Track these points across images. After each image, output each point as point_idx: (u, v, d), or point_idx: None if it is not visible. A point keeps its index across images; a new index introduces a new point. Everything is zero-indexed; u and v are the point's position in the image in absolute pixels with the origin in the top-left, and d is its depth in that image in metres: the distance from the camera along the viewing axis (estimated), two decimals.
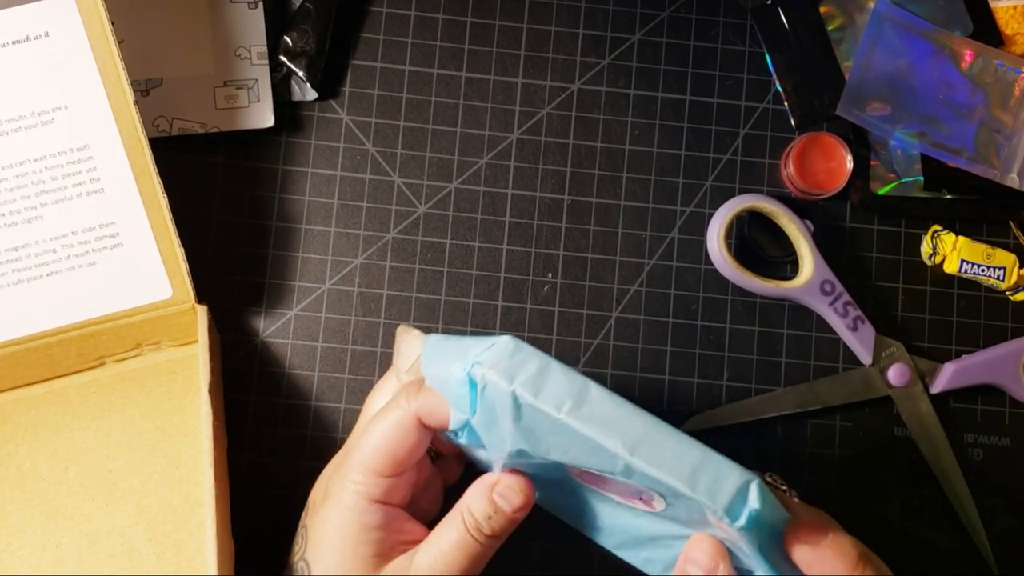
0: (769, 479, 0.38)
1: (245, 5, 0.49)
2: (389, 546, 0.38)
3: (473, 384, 0.35)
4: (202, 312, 0.45)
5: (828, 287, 0.49)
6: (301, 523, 0.41)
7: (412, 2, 0.52)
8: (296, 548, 0.41)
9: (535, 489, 0.38)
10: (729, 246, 0.50)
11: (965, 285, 0.52)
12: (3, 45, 0.42)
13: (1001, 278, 0.51)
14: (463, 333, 0.49)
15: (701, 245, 0.51)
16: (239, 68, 0.49)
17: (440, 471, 0.44)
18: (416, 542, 0.38)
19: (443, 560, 0.37)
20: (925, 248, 0.51)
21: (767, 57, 0.52)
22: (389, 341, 0.49)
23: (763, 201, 0.49)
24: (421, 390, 0.38)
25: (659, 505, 0.36)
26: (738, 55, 0.52)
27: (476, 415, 0.35)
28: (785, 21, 0.51)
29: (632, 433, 0.33)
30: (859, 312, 0.49)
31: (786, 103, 0.52)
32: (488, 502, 0.37)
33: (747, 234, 0.51)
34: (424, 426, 0.38)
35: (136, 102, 0.42)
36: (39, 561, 0.45)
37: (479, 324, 0.50)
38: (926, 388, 0.50)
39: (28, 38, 0.42)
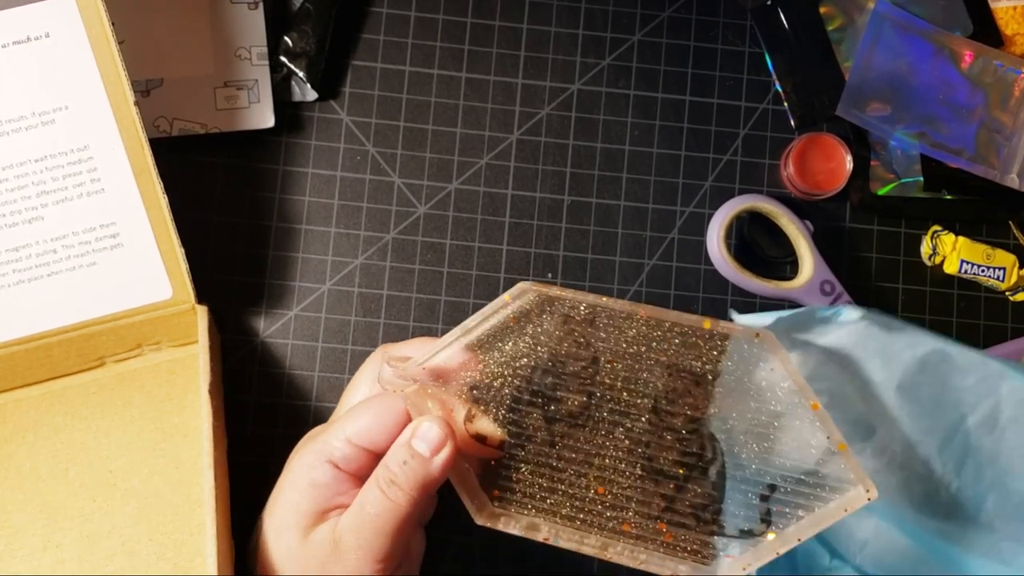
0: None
1: (245, 6, 0.49)
2: (329, 506, 0.38)
3: None
4: (202, 312, 0.45)
5: (828, 287, 0.49)
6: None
7: (412, 3, 0.52)
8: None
9: None
10: (729, 246, 0.50)
11: (965, 285, 0.52)
12: (4, 45, 0.42)
13: (1001, 278, 0.51)
14: None
15: (701, 245, 0.51)
16: (239, 69, 0.49)
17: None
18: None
19: (364, 521, 0.36)
20: (925, 248, 0.51)
21: (767, 57, 0.52)
22: (389, 341, 0.49)
23: (763, 201, 0.49)
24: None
25: None
26: (738, 56, 0.52)
27: None
28: (785, 22, 0.51)
29: None
30: None
31: (786, 103, 0.52)
32: (404, 447, 0.36)
33: (747, 234, 0.51)
34: (408, 417, 0.37)
35: (136, 102, 0.42)
36: (39, 561, 0.45)
37: None
38: None
39: (29, 38, 0.42)
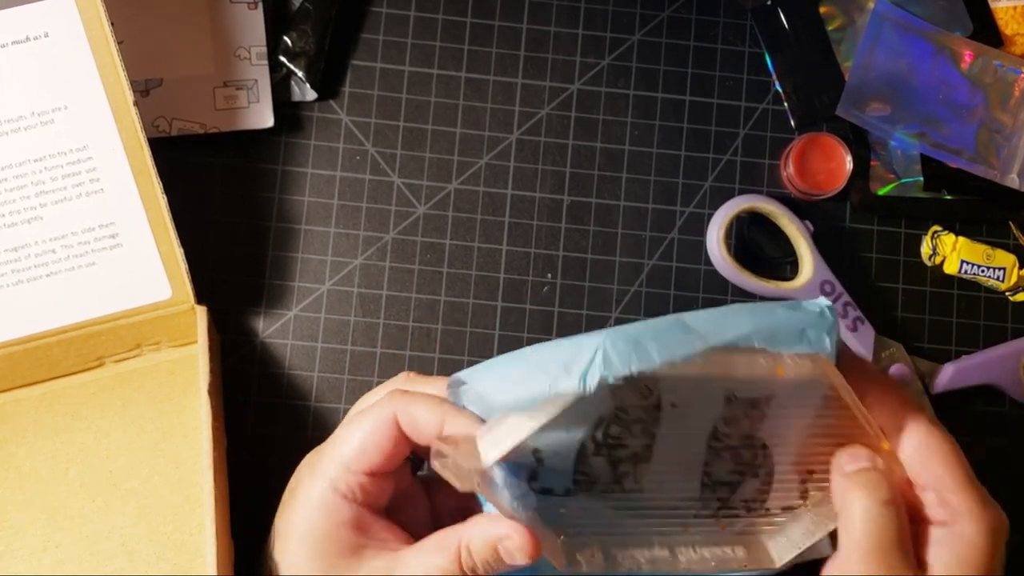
0: None
1: (245, 5, 0.49)
2: (361, 546, 0.36)
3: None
4: (201, 312, 0.45)
5: (828, 287, 0.50)
6: (274, 523, 0.40)
7: (412, 2, 0.52)
8: (267, 548, 0.39)
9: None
10: (729, 247, 0.50)
11: (965, 286, 0.52)
12: (3, 45, 0.42)
13: (1001, 279, 0.51)
14: (462, 333, 0.49)
15: (701, 246, 0.51)
16: (239, 68, 0.49)
17: (430, 496, 0.41)
18: (394, 541, 0.37)
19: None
20: (925, 249, 0.51)
21: (767, 57, 0.52)
22: (388, 342, 0.49)
23: (763, 202, 0.49)
24: (406, 395, 0.37)
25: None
26: (738, 55, 0.52)
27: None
28: (785, 21, 0.51)
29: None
30: (859, 312, 0.50)
31: (786, 103, 0.52)
32: (491, 550, 0.35)
33: (746, 235, 0.51)
34: (401, 430, 0.36)
35: (136, 102, 0.42)
36: (39, 562, 0.45)
37: (478, 325, 0.50)
38: (926, 388, 0.50)
39: (28, 38, 0.42)
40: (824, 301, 0.37)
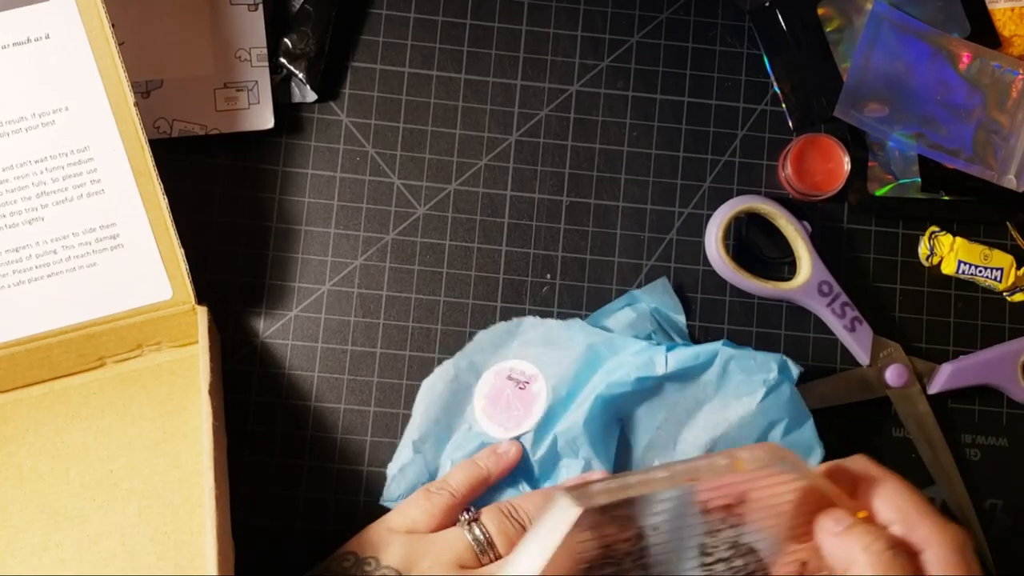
0: None
1: (245, 7, 0.49)
2: None
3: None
4: (202, 313, 0.45)
5: (826, 288, 0.50)
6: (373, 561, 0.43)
7: (411, 4, 0.52)
8: None
9: None
10: (727, 247, 0.50)
11: (962, 286, 0.52)
12: (4, 47, 0.42)
13: (998, 279, 0.51)
14: (462, 334, 0.50)
15: (699, 246, 0.51)
16: (239, 70, 0.49)
17: None
18: None
19: None
20: (923, 249, 0.52)
21: (765, 59, 0.53)
22: (388, 342, 0.49)
23: (761, 202, 0.50)
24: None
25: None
26: (736, 57, 0.53)
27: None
28: (783, 23, 0.51)
29: None
30: (856, 313, 0.50)
31: (784, 105, 0.52)
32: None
33: (745, 235, 0.51)
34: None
35: (136, 104, 0.43)
36: (40, 561, 0.45)
37: (478, 325, 0.50)
38: (924, 389, 0.50)
39: (29, 40, 0.42)
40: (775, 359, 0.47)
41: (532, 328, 0.50)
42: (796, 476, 0.37)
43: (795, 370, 0.47)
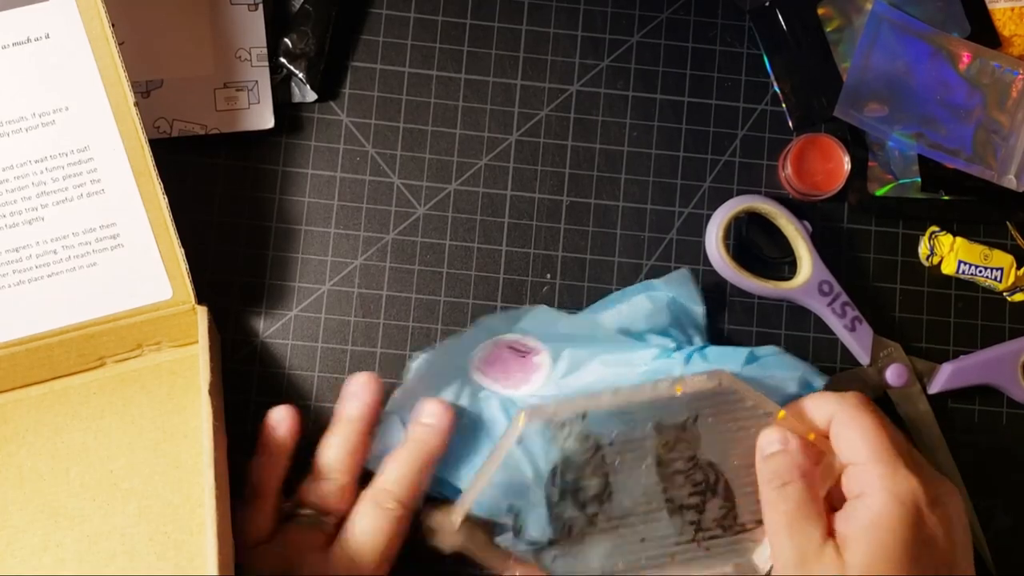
0: None
1: (245, 7, 0.49)
2: None
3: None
4: (202, 313, 0.45)
5: (826, 287, 0.50)
6: None
7: (411, 4, 0.52)
8: None
9: None
10: (727, 247, 0.50)
11: (962, 286, 0.52)
12: (4, 47, 0.42)
13: (999, 279, 0.51)
14: (461, 334, 0.49)
15: (699, 246, 0.51)
16: (239, 70, 0.49)
17: None
18: None
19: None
20: (923, 249, 0.52)
21: (765, 59, 0.53)
22: (388, 342, 0.49)
23: (762, 202, 0.50)
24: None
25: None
26: (736, 57, 0.53)
27: None
28: (783, 23, 0.51)
29: None
30: (857, 312, 0.50)
31: (784, 104, 0.52)
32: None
33: (745, 235, 0.51)
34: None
35: (136, 103, 0.42)
36: (40, 561, 0.45)
37: None
38: (924, 388, 0.50)
39: (29, 39, 0.42)
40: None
41: (543, 315, 0.49)
42: (734, 394, 0.42)
43: (820, 381, 0.46)
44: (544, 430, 0.43)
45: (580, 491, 0.43)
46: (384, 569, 0.42)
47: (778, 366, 0.45)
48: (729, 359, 0.45)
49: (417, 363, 0.47)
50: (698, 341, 0.48)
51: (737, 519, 0.44)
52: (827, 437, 0.42)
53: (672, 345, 0.46)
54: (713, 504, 0.44)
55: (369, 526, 0.42)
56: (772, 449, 0.42)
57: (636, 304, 0.48)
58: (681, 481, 0.44)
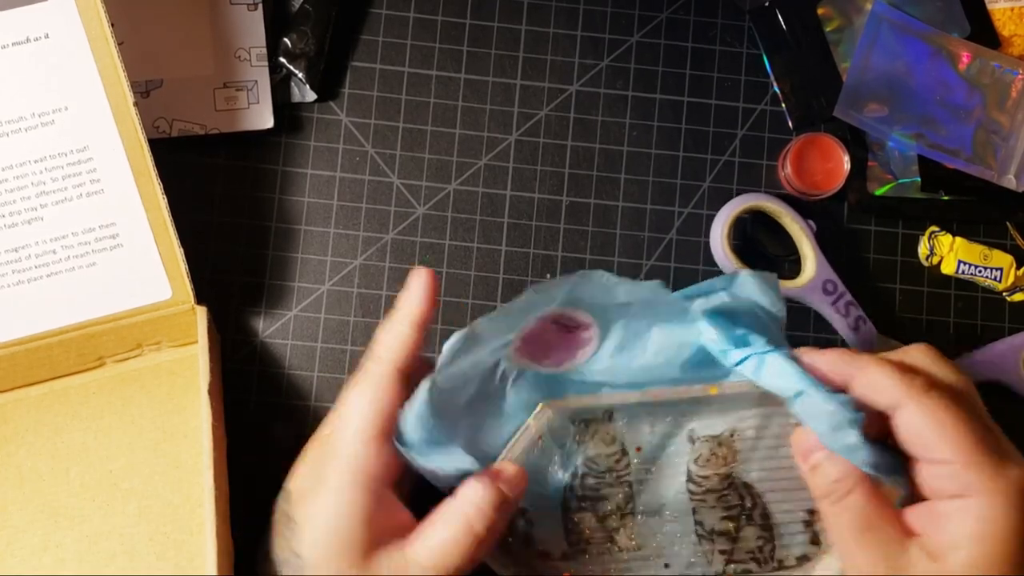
0: None
1: (245, 7, 0.49)
2: (380, 532, 0.36)
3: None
4: (202, 313, 0.45)
5: (830, 287, 0.50)
6: (282, 513, 0.39)
7: (411, 4, 0.52)
8: (280, 540, 0.38)
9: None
10: (732, 245, 0.50)
11: (962, 286, 0.52)
12: (3, 46, 0.42)
13: (998, 279, 0.51)
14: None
15: (699, 246, 0.51)
16: (239, 70, 0.49)
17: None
18: (403, 528, 0.37)
19: (443, 556, 0.35)
20: (922, 249, 0.52)
21: (765, 59, 0.53)
22: None
23: (767, 200, 0.50)
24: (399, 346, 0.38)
25: None
26: (736, 57, 0.53)
27: None
28: (783, 23, 0.51)
29: None
30: (861, 312, 0.50)
31: (784, 104, 0.52)
32: (495, 491, 0.36)
33: (749, 233, 0.51)
34: (405, 377, 0.37)
35: (136, 103, 0.42)
36: (40, 561, 0.45)
37: None
38: None
39: (28, 39, 0.42)
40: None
41: (599, 280, 0.39)
42: (780, 407, 0.36)
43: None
44: (567, 425, 0.39)
45: (601, 501, 0.39)
46: (381, 426, 0.37)
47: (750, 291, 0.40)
48: (787, 376, 0.37)
49: (451, 342, 0.39)
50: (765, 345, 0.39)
51: (774, 554, 0.39)
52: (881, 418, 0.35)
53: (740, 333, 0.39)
54: (749, 533, 0.39)
55: (354, 387, 0.39)
56: (818, 457, 0.35)
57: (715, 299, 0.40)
58: (713, 502, 0.39)
